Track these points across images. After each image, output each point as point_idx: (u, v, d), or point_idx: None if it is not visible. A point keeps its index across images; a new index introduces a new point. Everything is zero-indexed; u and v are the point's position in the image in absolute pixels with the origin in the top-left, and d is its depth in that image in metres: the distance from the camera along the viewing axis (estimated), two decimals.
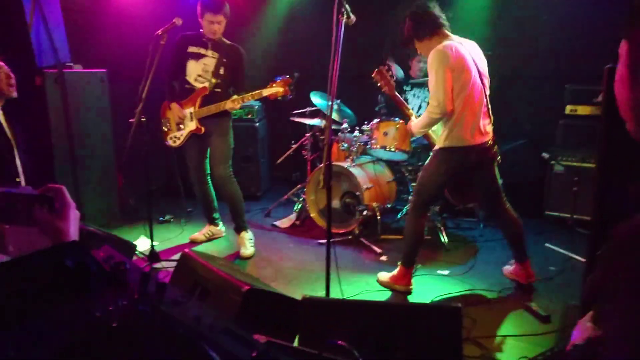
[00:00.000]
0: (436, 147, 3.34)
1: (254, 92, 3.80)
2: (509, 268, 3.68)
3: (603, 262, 0.90)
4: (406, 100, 4.91)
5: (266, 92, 3.77)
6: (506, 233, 3.55)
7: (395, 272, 3.52)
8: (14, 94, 3.11)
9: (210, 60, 3.99)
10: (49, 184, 1.11)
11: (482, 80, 3.25)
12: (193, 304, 0.83)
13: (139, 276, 0.85)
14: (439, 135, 3.31)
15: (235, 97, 3.88)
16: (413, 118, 3.50)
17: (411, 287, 3.49)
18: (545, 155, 4.65)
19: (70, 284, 0.82)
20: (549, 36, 5.00)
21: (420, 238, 3.47)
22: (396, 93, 3.52)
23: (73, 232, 1.07)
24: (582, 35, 4.75)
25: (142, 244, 4.08)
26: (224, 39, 4.04)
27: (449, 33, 3.25)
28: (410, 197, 3.70)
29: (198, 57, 4.00)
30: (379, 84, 3.52)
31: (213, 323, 0.78)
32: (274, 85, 3.76)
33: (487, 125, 3.31)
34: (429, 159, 3.41)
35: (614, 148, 2.80)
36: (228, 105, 3.87)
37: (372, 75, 3.51)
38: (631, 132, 0.92)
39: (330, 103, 2.75)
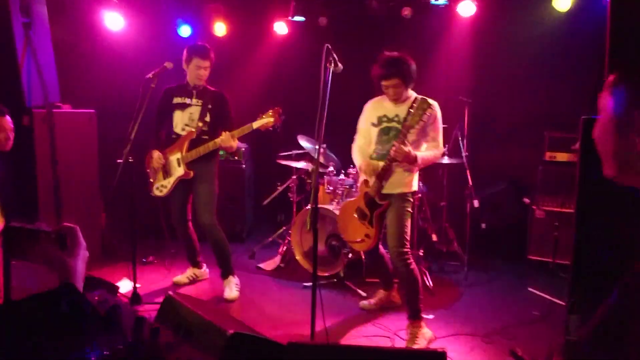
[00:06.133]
0: (407, 191, 3.41)
1: (244, 127, 3.78)
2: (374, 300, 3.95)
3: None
4: None
5: (256, 124, 3.74)
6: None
7: (423, 331, 3.41)
8: (7, 147, 3.18)
9: (195, 108, 4.00)
10: (64, 223, 1.14)
11: None
12: (185, 349, 0.84)
13: (132, 320, 0.86)
14: (406, 180, 3.39)
15: (224, 133, 3.80)
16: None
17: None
18: (526, 200, 4.75)
19: (66, 328, 0.83)
20: (528, 84, 5.19)
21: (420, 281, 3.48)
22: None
23: (81, 271, 1.08)
24: (559, 84, 4.95)
25: (125, 286, 4.01)
26: (208, 87, 4.07)
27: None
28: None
29: (184, 107, 4.02)
30: None
31: None
32: (263, 116, 3.74)
33: None
34: (399, 205, 3.40)
35: (591, 194, 2.90)
36: (218, 142, 3.81)
37: None
38: (610, 176, 0.95)
39: (317, 147, 2.82)
